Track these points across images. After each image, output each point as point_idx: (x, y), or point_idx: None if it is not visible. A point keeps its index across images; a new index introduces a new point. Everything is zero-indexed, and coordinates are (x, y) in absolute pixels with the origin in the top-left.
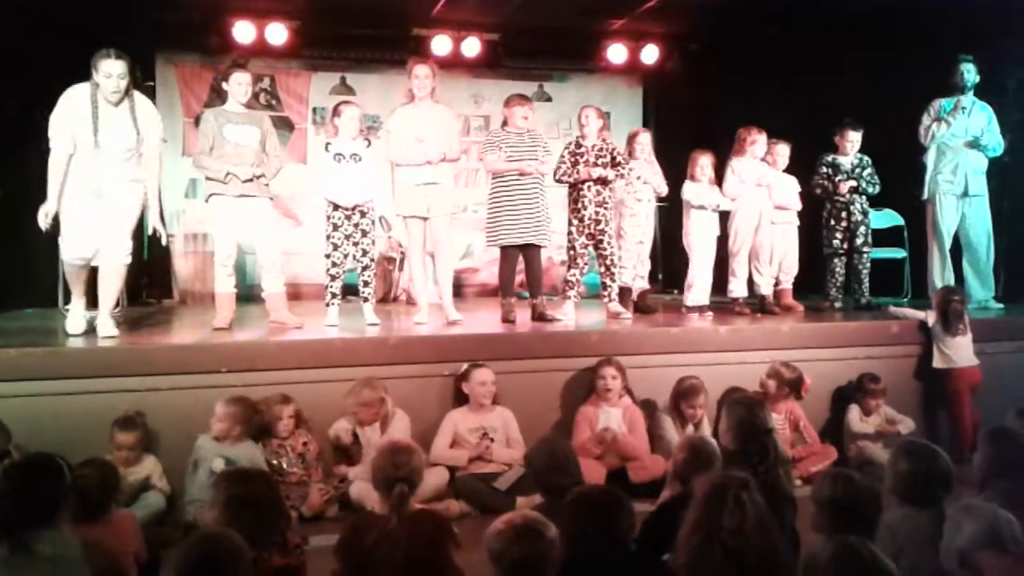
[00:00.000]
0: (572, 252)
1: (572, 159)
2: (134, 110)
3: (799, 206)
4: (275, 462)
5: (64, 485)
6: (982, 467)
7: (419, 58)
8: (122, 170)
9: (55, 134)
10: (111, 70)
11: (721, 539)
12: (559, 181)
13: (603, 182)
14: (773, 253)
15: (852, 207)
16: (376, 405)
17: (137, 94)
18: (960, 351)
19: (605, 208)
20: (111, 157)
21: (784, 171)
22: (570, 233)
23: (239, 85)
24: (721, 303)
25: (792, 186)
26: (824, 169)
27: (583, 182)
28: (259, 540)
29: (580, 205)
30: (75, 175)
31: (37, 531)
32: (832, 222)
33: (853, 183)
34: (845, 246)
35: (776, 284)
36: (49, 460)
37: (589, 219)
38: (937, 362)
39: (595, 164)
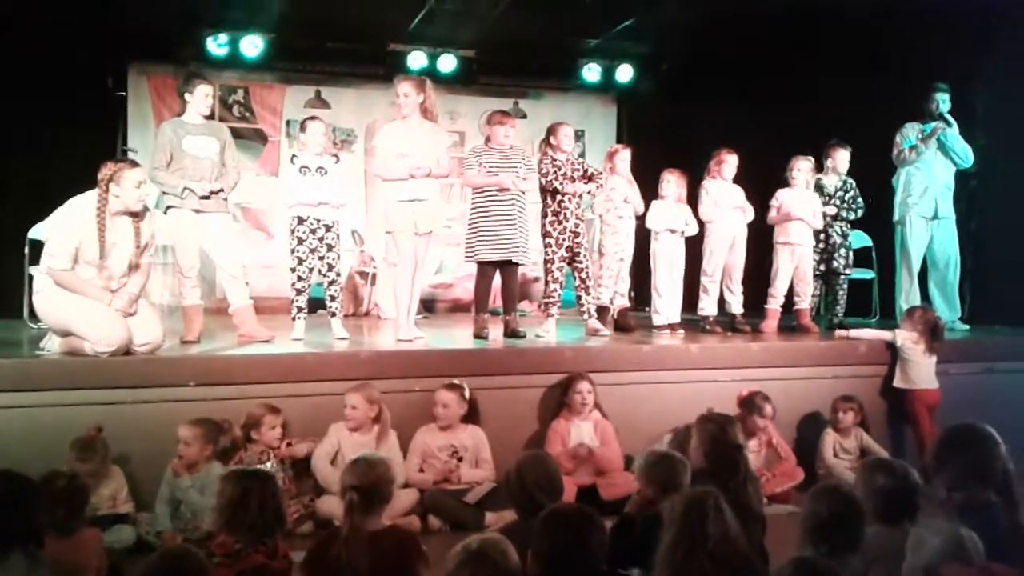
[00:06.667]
0: (550, 265)
1: (554, 169)
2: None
3: (819, 225)
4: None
5: (31, 502)
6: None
7: (405, 75)
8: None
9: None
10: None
11: (709, 549)
12: (547, 186)
13: (580, 195)
14: (780, 273)
15: (831, 230)
16: (376, 407)
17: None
18: (923, 372)
19: (583, 221)
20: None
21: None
22: (548, 246)
23: (205, 96)
24: (692, 321)
25: (816, 204)
26: None
27: (567, 194)
28: (251, 536)
29: (562, 216)
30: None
31: (8, 548)
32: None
33: (833, 209)
34: (822, 268)
35: (793, 305)
36: (16, 477)
37: (570, 231)
38: (898, 382)
39: (573, 179)
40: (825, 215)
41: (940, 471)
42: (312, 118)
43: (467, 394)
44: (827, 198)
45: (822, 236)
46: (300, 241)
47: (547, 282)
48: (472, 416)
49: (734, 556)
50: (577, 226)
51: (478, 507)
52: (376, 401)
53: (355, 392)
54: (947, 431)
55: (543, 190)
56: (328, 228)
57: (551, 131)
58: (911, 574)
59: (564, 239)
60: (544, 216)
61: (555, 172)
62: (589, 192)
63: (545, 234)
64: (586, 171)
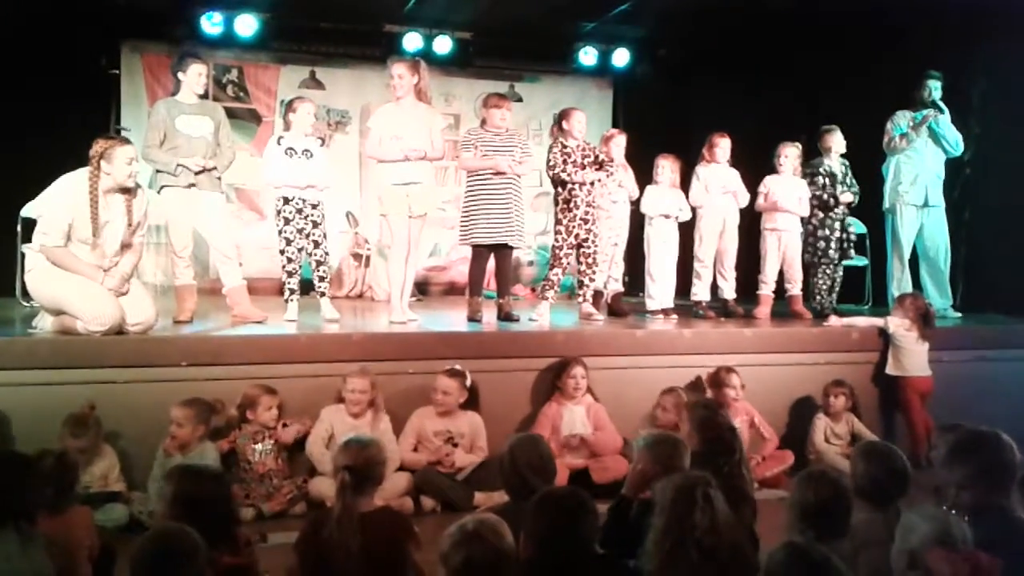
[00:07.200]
0: (557, 251)
1: (563, 158)
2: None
3: (805, 212)
4: (251, 448)
5: (24, 480)
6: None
7: (400, 57)
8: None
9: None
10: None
11: (696, 539)
12: (554, 179)
13: (591, 183)
14: (768, 259)
15: (848, 219)
16: (376, 391)
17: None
18: (916, 360)
19: (594, 208)
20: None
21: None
22: (559, 232)
23: (199, 76)
24: (685, 306)
25: (803, 191)
26: (822, 179)
27: (581, 184)
28: (206, 538)
29: (573, 204)
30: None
31: (1, 525)
32: (827, 232)
33: (850, 197)
34: (837, 256)
35: (785, 292)
36: (9, 455)
37: (579, 219)
38: (891, 368)
39: (583, 166)
40: (840, 201)
41: (950, 471)
42: (300, 98)
43: (468, 382)
44: (842, 186)
45: (837, 226)
46: (287, 221)
47: (551, 265)
48: (471, 403)
49: (723, 545)
50: (587, 214)
51: (467, 485)
52: (376, 385)
53: (359, 377)
54: (962, 434)
55: (553, 179)
56: (314, 206)
57: (564, 116)
58: (898, 558)
59: (574, 227)
60: (556, 204)
61: (564, 162)
62: (599, 180)
63: (556, 221)
64: (597, 158)
